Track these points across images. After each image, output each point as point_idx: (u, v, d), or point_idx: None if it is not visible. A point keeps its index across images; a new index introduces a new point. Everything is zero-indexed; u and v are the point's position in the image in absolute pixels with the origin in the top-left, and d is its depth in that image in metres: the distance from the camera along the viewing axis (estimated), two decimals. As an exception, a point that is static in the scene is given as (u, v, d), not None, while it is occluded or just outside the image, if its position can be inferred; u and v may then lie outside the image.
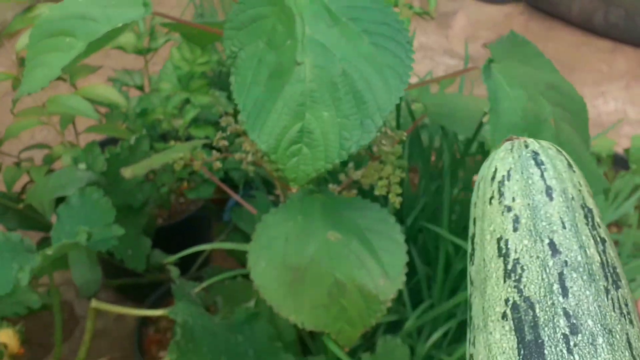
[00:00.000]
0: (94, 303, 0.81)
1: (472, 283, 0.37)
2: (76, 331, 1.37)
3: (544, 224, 0.35)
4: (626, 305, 0.34)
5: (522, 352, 0.32)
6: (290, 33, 0.62)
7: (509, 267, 0.34)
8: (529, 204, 0.35)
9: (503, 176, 0.37)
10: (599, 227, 0.36)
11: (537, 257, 0.34)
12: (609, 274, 0.34)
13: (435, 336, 0.85)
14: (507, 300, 0.34)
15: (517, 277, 0.34)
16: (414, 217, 0.92)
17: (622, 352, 0.32)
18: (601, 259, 0.34)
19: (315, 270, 0.67)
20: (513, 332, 0.33)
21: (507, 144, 0.39)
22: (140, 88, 1.31)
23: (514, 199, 0.36)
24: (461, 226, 0.96)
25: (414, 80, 0.85)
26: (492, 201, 0.37)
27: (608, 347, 0.32)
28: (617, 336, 0.32)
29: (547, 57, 0.78)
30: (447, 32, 2.38)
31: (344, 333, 0.68)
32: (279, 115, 0.60)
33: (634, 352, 0.32)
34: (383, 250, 0.69)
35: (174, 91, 1.18)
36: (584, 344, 0.32)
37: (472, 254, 0.38)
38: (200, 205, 1.26)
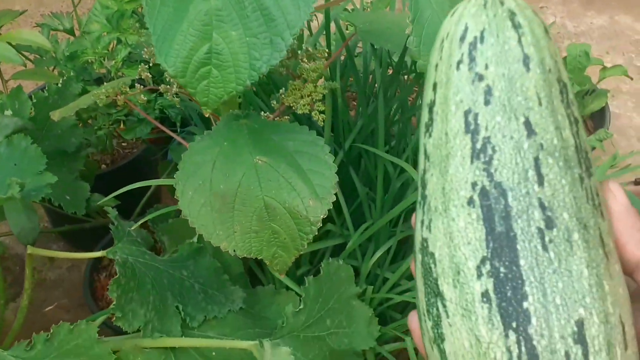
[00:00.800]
0: (30, 249, 0.79)
1: (427, 158, 0.34)
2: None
3: (519, 99, 0.31)
4: (597, 195, 0.32)
5: (490, 244, 0.30)
6: (192, -50, 0.59)
7: (478, 145, 0.31)
8: (504, 74, 0.31)
9: (475, 38, 0.32)
10: (572, 104, 0.33)
11: (511, 137, 0.30)
12: (582, 160, 0.32)
13: (377, 255, 0.85)
14: (474, 184, 0.31)
15: (487, 158, 0.31)
16: (352, 139, 0.91)
17: (597, 250, 0.30)
18: (575, 142, 0.32)
19: (244, 195, 0.66)
20: (481, 222, 0.30)
21: None
22: (71, 32, 1.27)
23: (486, 67, 0.31)
24: (400, 145, 0.95)
25: None
26: (461, 66, 0.32)
27: (584, 244, 0.30)
28: (592, 231, 0.30)
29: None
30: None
31: (278, 258, 0.68)
32: (185, 37, 0.58)
33: (606, 249, 0.31)
34: (312, 171, 0.68)
35: (104, 31, 1.15)
36: (559, 240, 0.29)
37: (430, 125, 0.34)
38: (143, 147, 1.24)
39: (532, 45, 0.31)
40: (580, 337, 0.29)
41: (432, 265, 0.32)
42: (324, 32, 0.86)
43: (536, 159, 0.30)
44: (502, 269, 0.29)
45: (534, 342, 0.29)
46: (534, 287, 0.29)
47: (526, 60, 0.31)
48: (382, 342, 0.87)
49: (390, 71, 0.94)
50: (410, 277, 0.89)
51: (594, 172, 0.32)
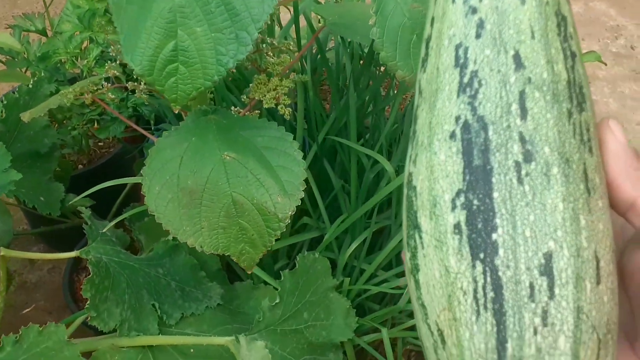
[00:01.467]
0: (3, 251, 0.79)
1: (420, 93, 0.33)
2: (11, 287, 1.35)
3: (511, 32, 0.30)
4: (587, 130, 0.31)
5: (467, 177, 0.30)
6: (154, -53, 0.59)
7: (465, 79, 0.30)
8: (497, 7, 0.30)
9: None
10: (571, 38, 0.32)
11: (499, 70, 0.30)
12: (574, 95, 0.31)
13: (353, 247, 0.85)
14: (457, 118, 0.30)
15: (472, 92, 0.30)
16: (326, 132, 0.91)
17: (577, 185, 0.30)
18: (568, 76, 0.31)
19: (212, 191, 0.66)
20: (460, 155, 0.30)
21: None
22: (43, 32, 1.26)
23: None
24: (374, 136, 0.96)
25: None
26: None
27: (563, 178, 0.29)
28: (574, 166, 0.30)
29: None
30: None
31: (246, 254, 0.68)
32: (150, 35, 0.58)
33: (589, 184, 0.30)
34: (281, 167, 0.68)
35: (76, 31, 1.14)
36: (536, 174, 0.29)
37: (425, 60, 0.33)
38: (119, 146, 1.24)
39: None
40: (547, 269, 0.28)
41: (414, 198, 0.32)
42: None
43: (522, 93, 0.30)
44: (475, 202, 0.29)
45: (500, 273, 0.29)
46: (505, 220, 0.29)
47: None
48: (360, 334, 0.87)
49: (362, 63, 0.94)
50: (387, 268, 0.89)
51: (589, 107, 0.32)
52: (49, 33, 1.26)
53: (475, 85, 0.30)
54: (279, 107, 0.66)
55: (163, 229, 0.67)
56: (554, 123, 0.30)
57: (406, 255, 0.33)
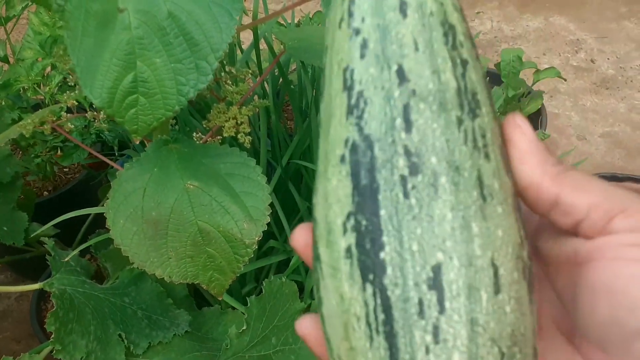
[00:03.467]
0: (-35, 286, 0.78)
1: (320, 124, 0.32)
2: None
3: (394, 47, 0.30)
4: (483, 137, 0.30)
5: (355, 199, 0.29)
6: (110, -22, 0.59)
7: (352, 101, 0.30)
8: (378, 25, 0.30)
9: None
10: (461, 46, 0.31)
11: (382, 87, 0.29)
12: (465, 102, 0.30)
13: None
14: (346, 141, 0.29)
15: (359, 112, 0.29)
16: (289, 155, 0.91)
17: (469, 192, 0.28)
18: (458, 84, 0.30)
19: (177, 221, 0.66)
20: (349, 178, 0.29)
21: None
22: (5, 59, 1.25)
23: (363, 20, 0.30)
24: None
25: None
26: (342, 25, 0.31)
27: (451, 187, 0.28)
28: (465, 174, 0.29)
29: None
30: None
31: (215, 281, 0.68)
32: (109, 67, 0.58)
33: (484, 191, 0.29)
34: (245, 193, 0.68)
35: (38, 57, 1.13)
36: (423, 186, 0.28)
37: (323, 90, 0.33)
38: (84, 173, 1.23)
39: None
40: (435, 283, 0.27)
41: (315, 229, 0.31)
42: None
43: (405, 106, 0.29)
44: (363, 222, 0.28)
45: (388, 293, 0.27)
46: (392, 237, 0.28)
47: (403, 7, 0.30)
48: (328, 357, 0.87)
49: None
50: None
51: (486, 113, 0.30)
52: (11, 60, 1.25)
53: (362, 105, 0.29)
54: (238, 136, 0.66)
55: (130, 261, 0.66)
56: (441, 132, 0.29)
57: (314, 291, 0.32)
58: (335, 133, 0.30)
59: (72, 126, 0.75)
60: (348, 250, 0.29)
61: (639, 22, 2.08)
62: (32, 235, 0.93)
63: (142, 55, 0.58)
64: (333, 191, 0.30)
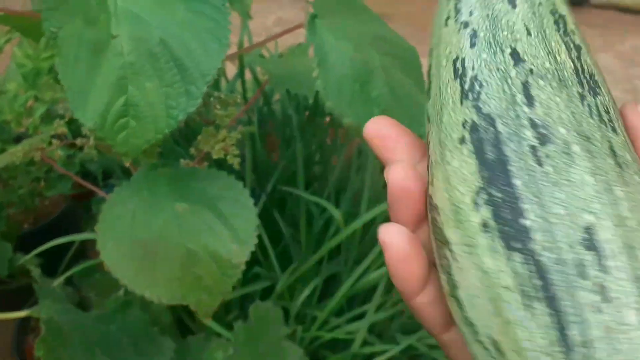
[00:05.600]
0: (-51, 314, 0.77)
1: (428, 119, 0.33)
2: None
3: (505, 33, 0.30)
4: (607, 112, 0.29)
5: (484, 174, 0.28)
6: (103, 6, 0.61)
7: (466, 86, 0.30)
8: (488, 15, 0.31)
9: None
10: (573, 34, 0.31)
11: (498, 69, 0.29)
12: (584, 81, 0.30)
13: (304, 294, 0.86)
14: (464, 123, 0.29)
15: (475, 95, 0.29)
16: (274, 182, 0.93)
17: (605, 159, 0.27)
18: (575, 65, 0.30)
19: (166, 243, 0.67)
20: (473, 156, 0.28)
21: None
22: (-13, 92, 1.26)
23: (471, 13, 0.31)
24: (322, 185, 0.98)
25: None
26: (448, 22, 0.32)
27: (586, 154, 0.27)
28: (597, 143, 0.28)
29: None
30: (304, 5, 2.39)
31: (203, 303, 0.68)
32: (101, 91, 0.59)
33: (619, 160, 0.28)
34: (233, 215, 0.69)
35: (20, 89, 1.14)
36: (556, 154, 0.27)
37: (429, 88, 0.33)
38: (67, 203, 1.23)
39: None
40: (592, 244, 0.26)
41: (437, 216, 0.30)
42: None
43: (525, 84, 0.29)
44: (497, 194, 0.27)
45: (541, 258, 0.26)
46: (533, 203, 0.27)
47: None
48: (314, 381, 0.88)
49: (307, 114, 0.97)
50: (339, 314, 0.90)
51: (605, 93, 0.30)
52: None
53: (477, 88, 0.29)
54: (227, 157, 0.67)
55: (119, 283, 0.67)
56: (565, 105, 0.28)
57: (442, 281, 0.30)
58: (450, 120, 0.30)
59: (61, 153, 0.76)
60: (484, 224, 0.28)
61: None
62: (17, 264, 0.93)
63: (133, 80, 0.60)
64: (455, 172, 0.29)
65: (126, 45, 0.60)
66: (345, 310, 0.91)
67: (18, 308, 1.09)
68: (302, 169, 0.87)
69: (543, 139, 0.28)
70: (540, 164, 0.27)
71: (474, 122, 0.29)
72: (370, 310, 0.84)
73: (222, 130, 0.66)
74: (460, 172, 0.29)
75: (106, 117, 0.60)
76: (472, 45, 0.30)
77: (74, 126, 1.04)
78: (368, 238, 0.93)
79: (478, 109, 0.29)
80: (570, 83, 0.29)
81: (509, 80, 0.29)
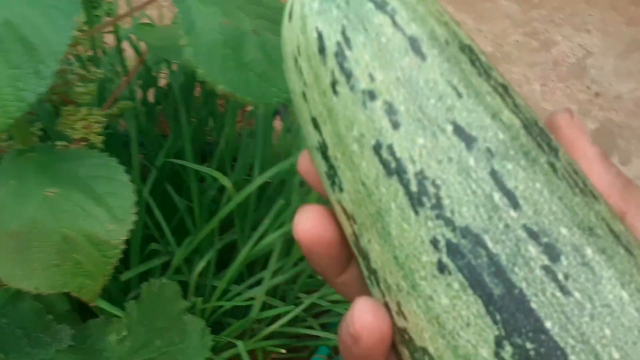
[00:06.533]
0: None
1: (353, 220, 0.25)
2: None
3: (432, 101, 0.23)
4: (576, 173, 0.24)
5: (498, 317, 0.22)
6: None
7: (413, 187, 0.23)
8: (398, 78, 0.23)
9: (339, 44, 0.24)
10: (490, 69, 0.25)
11: (449, 159, 0.23)
12: (538, 138, 0.24)
13: (200, 267, 0.85)
14: (434, 242, 0.23)
15: (434, 200, 0.23)
16: (163, 156, 0.91)
17: (618, 252, 0.22)
18: (520, 119, 0.24)
19: (40, 231, 0.64)
20: (470, 290, 0.22)
21: None
22: None
23: (372, 77, 0.23)
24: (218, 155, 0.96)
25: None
26: (338, 88, 0.24)
27: (601, 255, 0.22)
28: (599, 231, 0.23)
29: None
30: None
31: (86, 288, 0.67)
32: (-57, 79, 0.56)
33: (623, 241, 0.23)
34: (108, 194, 0.67)
35: None
36: (574, 270, 0.22)
37: (334, 176, 0.25)
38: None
39: (412, 20, 0.24)
40: None
41: None
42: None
43: (492, 174, 0.22)
44: (528, 345, 0.21)
45: None
46: (580, 352, 0.21)
47: (415, 45, 0.23)
48: (218, 351, 0.87)
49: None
50: (239, 281, 0.90)
51: (554, 140, 0.25)
52: None
53: (431, 190, 0.23)
54: (90, 136, 0.65)
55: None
56: (548, 192, 0.23)
57: None
58: (404, 234, 0.23)
59: None
60: None
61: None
62: None
63: (-24, 63, 0.56)
64: (450, 313, 0.23)
65: (-34, 29, 0.56)
66: (245, 277, 0.91)
67: None
68: (189, 140, 0.85)
69: (552, 253, 0.22)
70: (564, 292, 0.22)
71: (449, 241, 0.22)
72: (267, 275, 0.83)
73: (83, 109, 0.63)
74: (459, 314, 0.22)
75: (-52, 105, 0.56)
76: (396, 126, 0.23)
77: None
78: (264, 203, 0.92)
79: (448, 222, 0.22)
80: (534, 153, 0.23)
81: (473, 174, 0.23)
